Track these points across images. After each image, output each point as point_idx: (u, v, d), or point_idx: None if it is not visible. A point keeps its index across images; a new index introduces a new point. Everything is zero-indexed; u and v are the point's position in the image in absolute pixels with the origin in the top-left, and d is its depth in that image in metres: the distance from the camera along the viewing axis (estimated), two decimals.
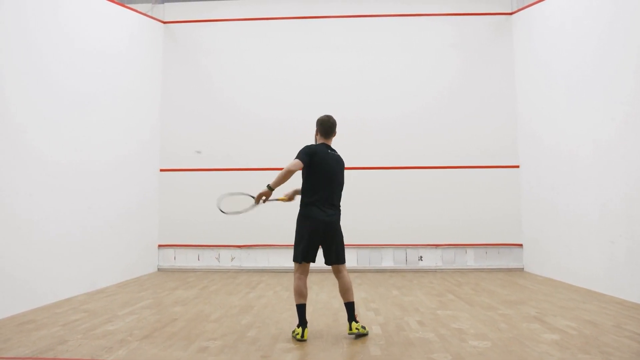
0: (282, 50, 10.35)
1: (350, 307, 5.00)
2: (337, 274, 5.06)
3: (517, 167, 9.89)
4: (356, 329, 4.91)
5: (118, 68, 8.75)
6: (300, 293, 4.93)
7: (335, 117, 5.23)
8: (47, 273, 6.72)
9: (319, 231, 4.90)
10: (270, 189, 4.88)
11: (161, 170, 10.12)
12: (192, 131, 10.24)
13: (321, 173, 4.95)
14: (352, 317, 4.96)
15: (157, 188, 10.01)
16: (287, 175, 4.80)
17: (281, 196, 5.23)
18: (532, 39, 9.46)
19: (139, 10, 9.56)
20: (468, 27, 10.27)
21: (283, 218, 9.98)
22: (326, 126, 5.13)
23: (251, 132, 10.15)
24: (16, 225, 6.30)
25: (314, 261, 5.00)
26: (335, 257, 5.01)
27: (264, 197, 4.94)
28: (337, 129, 5.23)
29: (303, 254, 4.90)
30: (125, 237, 8.77)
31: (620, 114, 7.10)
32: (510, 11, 10.17)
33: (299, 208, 5.05)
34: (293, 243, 5.01)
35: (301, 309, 4.93)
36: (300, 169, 4.89)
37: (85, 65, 7.86)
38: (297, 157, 4.88)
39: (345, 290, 5.01)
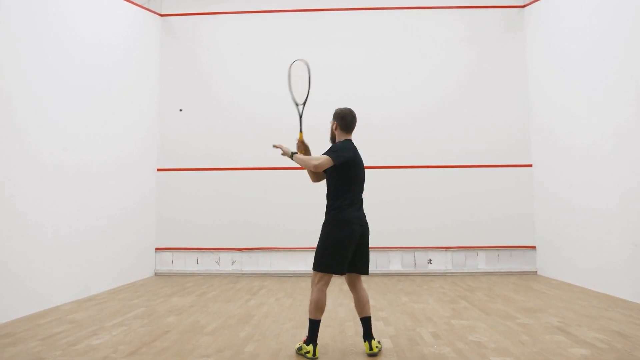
0: (285, 44, 9.91)
1: (368, 322, 4.48)
2: (356, 285, 4.54)
3: (530, 165, 9.47)
4: (376, 347, 4.41)
5: (113, 62, 8.31)
6: (321, 307, 4.38)
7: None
8: (34, 280, 6.28)
9: (356, 237, 4.40)
10: (292, 156, 4.54)
11: (158, 169, 9.71)
12: (191, 129, 9.83)
13: (355, 174, 4.47)
14: (369, 333, 4.46)
15: (154, 188, 9.60)
16: (310, 169, 4.52)
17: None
18: (547, 32, 9.01)
19: (135, 2, 9.11)
20: (478, 21, 9.87)
21: (285, 220, 9.67)
22: (348, 120, 4.62)
23: (253, 130, 9.72)
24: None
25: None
26: (364, 265, 4.52)
27: (282, 151, 4.60)
28: None
29: (340, 265, 4.34)
30: (120, 240, 8.34)
31: None
32: (522, 4, 9.73)
33: (329, 213, 4.49)
34: (318, 250, 4.44)
35: (316, 326, 4.41)
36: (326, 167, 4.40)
37: (78, 58, 7.42)
38: (329, 155, 4.40)
39: (364, 304, 4.50)
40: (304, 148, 4.76)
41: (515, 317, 5.83)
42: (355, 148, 4.56)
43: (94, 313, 6.15)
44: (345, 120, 4.62)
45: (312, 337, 4.39)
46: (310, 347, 4.36)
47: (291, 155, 4.52)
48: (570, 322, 5.54)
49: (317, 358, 4.36)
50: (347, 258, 4.39)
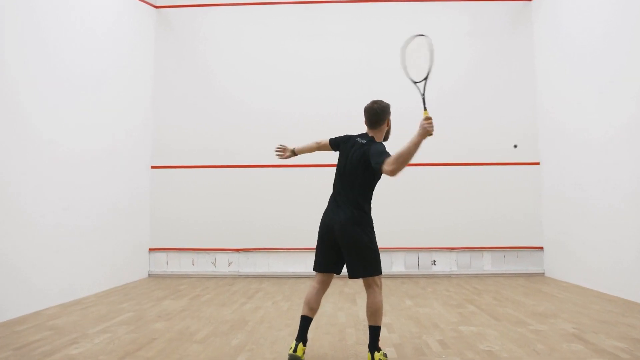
0: (285, 37, 9.60)
1: (374, 332, 4.05)
2: (365, 288, 4.15)
3: (537, 164, 9.13)
4: None
5: (103, 56, 7.92)
6: (307, 302, 4.17)
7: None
8: (16, 282, 5.88)
9: (325, 234, 4.18)
10: (293, 153, 4.72)
11: (152, 167, 9.36)
12: (187, 125, 9.50)
13: (339, 165, 4.34)
14: (375, 345, 4.03)
15: (148, 186, 9.25)
16: (312, 145, 4.72)
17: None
18: (555, 25, 8.65)
19: None
20: (484, 15, 9.53)
21: (284, 219, 9.32)
22: (364, 113, 4.36)
23: (251, 125, 9.40)
24: None
25: (327, 272, 4.19)
26: (351, 268, 4.11)
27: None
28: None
29: (316, 261, 4.27)
30: (111, 240, 7.97)
31: None
32: None
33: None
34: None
35: (303, 321, 4.12)
36: (323, 146, 4.60)
37: (65, 48, 7.02)
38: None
39: (371, 312, 4.06)
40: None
41: (527, 322, 5.47)
42: (350, 139, 4.35)
43: (78, 318, 5.76)
44: (364, 113, 4.39)
45: (298, 333, 4.11)
46: (292, 344, 4.05)
47: (292, 152, 4.80)
48: (586, 329, 5.17)
49: (299, 356, 3.98)
50: (321, 255, 4.22)
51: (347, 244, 4.06)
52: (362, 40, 9.53)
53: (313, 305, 4.15)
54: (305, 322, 4.12)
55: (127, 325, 5.39)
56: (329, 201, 4.28)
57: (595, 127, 7.50)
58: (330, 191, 4.34)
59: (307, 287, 4.15)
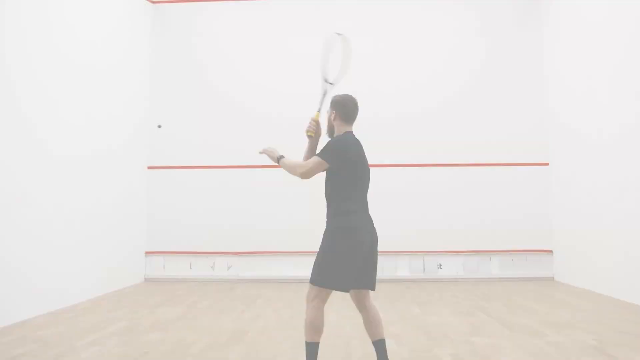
0: (285, 35, 9.34)
1: (382, 346, 3.74)
2: (364, 302, 3.80)
3: (547, 164, 8.86)
4: None
5: (98, 54, 7.61)
6: (317, 328, 3.63)
7: None
8: (3, 289, 5.56)
9: (366, 249, 3.67)
10: (278, 161, 3.86)
11: (149, 167, 9.07)
12: (185, 125, 9.22)
13: (361, 172, 3.75)
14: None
15: (145, 187, 8.96)
16: (294, 172, 3.77)
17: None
18: (568, 22, 8.38)
19: None
20: (492, 11, 9.26)
21: (285, 221, 9.04)
22: (350, 108, 3.84)
23: (251, 124, 9.10)
24: None
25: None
26: (371, 279, 3.78)
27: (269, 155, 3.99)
28: None
29: (343, 279, 3.61)
30: (107, 243, 7.67)
31: None
32: None
33: (334, 218, 3.70)
34: (319, 261, 3.68)
35: (313, 350, 3.63)
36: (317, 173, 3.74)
37: (61, 47, 6.73)
38: (321, 156, 3.68)
39: (376, 324, 3.74)
40: (315, 130, 3.92)
41: (543, 333, 5.17)
42: (357, 141, 3.80)
43: (67, 328, 5.43)
44: (346, 108, 3.84)
45: None
46: None
47: (277, 160, 3.83)
48: (607, 340, 4.86)
49: None
50: (353, 272, 3.64)
51: (374, 256, 3.80)
52: (365, 37, 9.21)
53: (322, 328, 3.71)
54: (318, 349, 3.68)
55: (119, 337, 5.08)
56: (362, 214, 3.74)
57: (608, 127, 7.24)
58: None
59: (310, 311, 3.64)
